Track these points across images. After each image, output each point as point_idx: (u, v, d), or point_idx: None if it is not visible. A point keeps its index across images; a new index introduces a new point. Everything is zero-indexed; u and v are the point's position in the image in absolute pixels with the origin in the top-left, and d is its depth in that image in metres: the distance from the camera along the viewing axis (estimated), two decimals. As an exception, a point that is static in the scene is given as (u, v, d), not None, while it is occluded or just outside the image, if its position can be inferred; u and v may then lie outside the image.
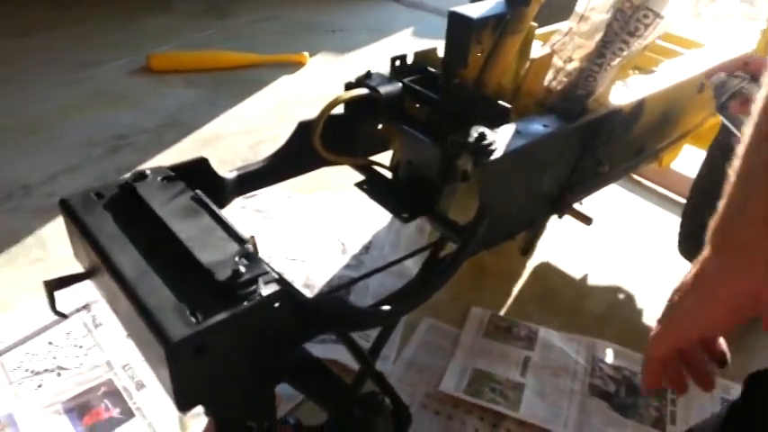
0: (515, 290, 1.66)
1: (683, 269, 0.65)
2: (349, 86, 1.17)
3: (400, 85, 1.16)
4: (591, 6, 1.19)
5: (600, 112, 1.17)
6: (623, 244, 1.84)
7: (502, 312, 1.58)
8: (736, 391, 1.37)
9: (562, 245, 1.82)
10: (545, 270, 1.74)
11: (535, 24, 1.20)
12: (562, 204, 1.22)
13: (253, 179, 1.11)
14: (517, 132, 1.08)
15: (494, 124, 1.09)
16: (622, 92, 1.25)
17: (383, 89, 1.13)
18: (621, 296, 1.65)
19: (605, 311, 1.60)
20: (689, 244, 1.62)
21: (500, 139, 1.05)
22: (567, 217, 1.25)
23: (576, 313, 1.59)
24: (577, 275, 1.72)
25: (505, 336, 1.51)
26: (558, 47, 1.23)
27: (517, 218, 1.17)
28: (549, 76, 1.22)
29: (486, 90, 1.20)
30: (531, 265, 1.75)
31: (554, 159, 1.14)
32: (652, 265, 1.75)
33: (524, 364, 1.44)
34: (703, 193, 1.51)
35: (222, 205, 1.04)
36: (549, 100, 1.19)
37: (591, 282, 1.70)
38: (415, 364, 1.43)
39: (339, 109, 1.11)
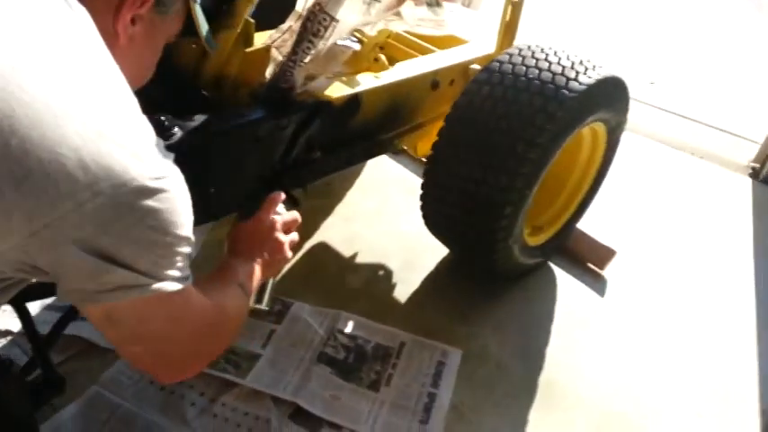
0: (286, 267, 1.78)
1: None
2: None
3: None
4: (305, 7, 1.30)
5: (305, 104, 1.29)
6: (395, 223, 2.00)
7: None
8: (454, 355, 1.55)
9: (341, 222, 1.97)
10: (319, 249, 1.87)
11: (252, 21, 1.29)
12: (278, 184, 1.33)
13: None
14: (207, 122, 1.17)
15: (192, 112, 1.18)
16: (340, 87, 1.37)
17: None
18: (381, 273, 1.80)
19: (361, 286, 1.75)
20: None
21: (187, 127, 1.14)
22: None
23: (336, 288, 1.73)
24: (347, 253, 1.86)
25: (258, 312, 1.62)
26: (279, 43, 1.33)
27: (220, 197, 1.26)
28: (270, 69, 1.33)
29: (202, 80, 1.29)
30: (309, 243, 1.88)
31: (251, 146, 1.24)
32: (412, 242, 1.91)
33: (268, 337, 1.56)
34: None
35: None
36: (260, 91, 1.29)
37: (358, 260, 1.84)
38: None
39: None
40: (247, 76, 1.32)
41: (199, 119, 1.18)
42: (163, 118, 1.10)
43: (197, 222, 1.26)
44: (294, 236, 1.16)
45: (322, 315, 1.63)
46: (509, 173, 1.40)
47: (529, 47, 1.55)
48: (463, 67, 1.65)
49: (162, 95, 1.23)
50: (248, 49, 1.30)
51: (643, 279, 1.93)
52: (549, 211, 1.79)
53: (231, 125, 1.19)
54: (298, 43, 1.24)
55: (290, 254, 1.14)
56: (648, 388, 1.58)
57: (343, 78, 1.41)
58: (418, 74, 1.52)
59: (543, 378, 1.55)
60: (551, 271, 1.88)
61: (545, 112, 1.38)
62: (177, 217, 0.64)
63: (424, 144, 1.75)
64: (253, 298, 1.06)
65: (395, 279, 1.78)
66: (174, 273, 0.66)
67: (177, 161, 0.67)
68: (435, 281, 1.79)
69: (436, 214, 1.61)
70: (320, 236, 1.92)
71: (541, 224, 1.78)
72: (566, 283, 1.85)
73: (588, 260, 1.90)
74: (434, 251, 1.80)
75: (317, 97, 1.32)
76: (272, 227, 1.10)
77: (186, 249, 0.68)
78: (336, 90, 1.36)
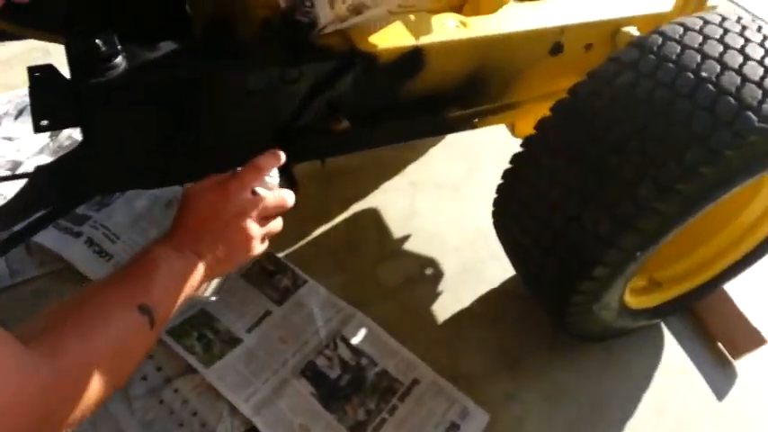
0: (317, 232, 1.45)
1: None
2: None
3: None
4: None
5: (330, 53, 0.88)
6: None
7: (283, 253, 1.38)
8: (476, 419, 1.16)
9: (402, 191, 1.56)
10: (363, 218, 1.50)
11: None
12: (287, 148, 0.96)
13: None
14: (172, 57, 0.81)
15: (162, 36, 0.82)
16: (396, 34, 0.93)
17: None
18: (427, 272, 1.41)
19: (395, 285, 1.37)
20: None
21: (138, 59, 0.79)
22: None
23: (363, 278, 1.38)
24: (393, 234, 1.48)
25: (262, 280, 1.32)
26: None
27: (189, 160, 0.92)
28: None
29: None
30: (354, 208, 1.51)
31: (237, 101, 0.87)
32: (482, 242, 1.46)
33: (260, 320, 1.26)
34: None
35: None
36: (274, 22, 0.89)
37: (404, 247, 1.45)
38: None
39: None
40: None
41: (164, 47, 0.82)
42: (99, 41, 0.75)
43: (152, 185, 0.97)
44: (275, 225, 0.82)
45: (333, 309, 1.29)
46: (617, 221, 0.90)
47: (724, 18, 0.97)
48: (611, 28, 1.09)
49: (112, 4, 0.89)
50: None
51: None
52: (678, 264, 1.23)
53: (207, 69, 0.83)
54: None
55: (259, 249, 0.81)
56: None
57: (409, 19, 0.95)
58: (532, 28, 1.01)
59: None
60: (660, 334, 1.36)
61: (711, 140, 0.84)
62: None
63: (527, 123, 1.25)
64: None
65: (442, 286, 1.38)
66: None
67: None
68: (493, 303, 1.35)
69: (507, 232, 1.16)
70: (370, 201, 1.53)
71: (662, 280, 1.24)
72: (674, 358, 1.31)
73: (721, 339, 1.33)
74: (505, 262, 1.35)
75: (352, 44, 0.89)
76: (242, 209, 0.76)
77: None
78: (388, 37, 0.92)
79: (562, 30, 1.04)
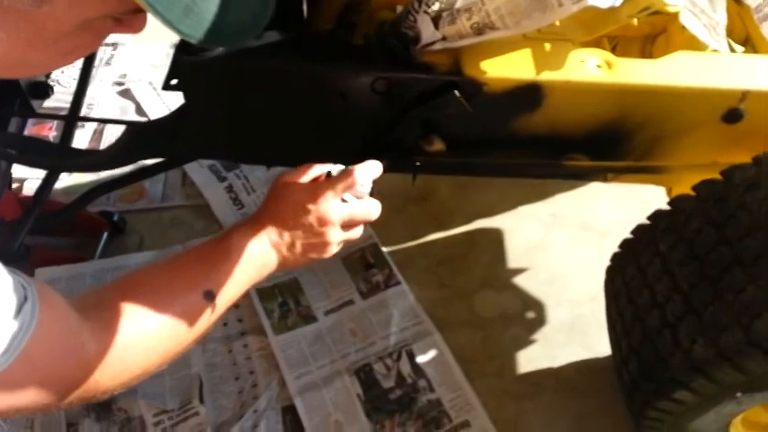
0: (431, 237, 1.39)
1: None
2: None
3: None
4: None
5: (430, 69, 0.80)
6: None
7: (388, 248, 1.36)
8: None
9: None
10: (486, 237, 1.39)
11: None
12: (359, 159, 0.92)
13: None
14: (275, 47, 0.82)
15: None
16: (515, 63, 0.81)
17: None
18: (529, 315, 1.26)
19: (491, 317, 1.26)
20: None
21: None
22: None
23: (460, 298, 1.29)
24: (513, 263, 1.35)
25: (358, 269, 1.32)
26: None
27: (257, 141, 0.93)
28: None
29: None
30: (479, 223, 1.41)
31: (327, 100, 0.84)
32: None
33: (340, 306, 1.27)
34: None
35: None
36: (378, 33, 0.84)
37: (516, 280, 1.32)
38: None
39: None
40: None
41: (267, 37, 0.83)
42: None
43: (243, 161, 1.00)
44: (354, 233, 0.80)
45: (413, 320, 1.24)
46: (716, 349, 0.70)
47: None
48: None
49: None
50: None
51: None
52: None
53: (298, 65, 0.81)
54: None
55: (332, 253, 0.80)
56: None
57: (542, 47, 0.82)
58: (697, 85, 0.80)
59: None
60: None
61: None
62: None
63: (683, 186, 1.02)
64: None
65: (539, 336, 1.23)
66: None
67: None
68: (587, 375, 1.17)
69: (607, 304, 0.99)
70: (499, 221, 1.41)
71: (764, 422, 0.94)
72: None
73: None
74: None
75: (459, 66, 0.80)
76: (329, 214, 0.74)
77: None
78: (504, 65, 0.81)
79: (743, 94, 0.81)
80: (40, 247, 1.29)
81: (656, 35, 1.08)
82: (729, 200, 0.76)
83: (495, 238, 1.39)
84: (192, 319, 0.65)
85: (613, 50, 1.06)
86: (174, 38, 0.50)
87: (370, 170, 0.78)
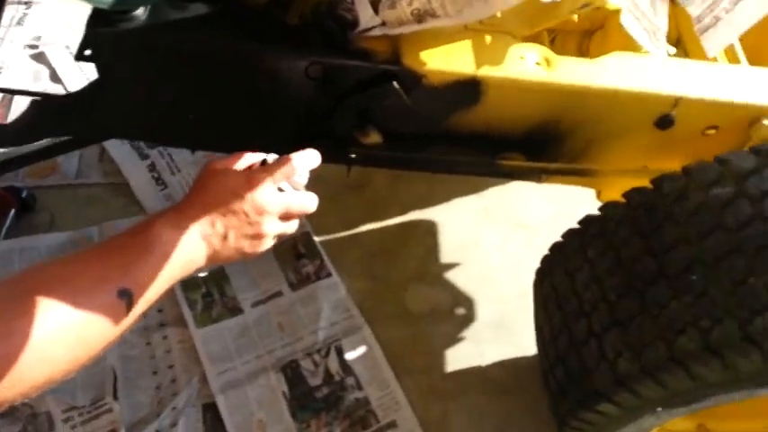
0: (364, 227, 1.35)
1: None
2: None
3: None
4: None
5: (366, 57, 0.76)
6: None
7: (320, 238, 1.32)
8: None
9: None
10: (419, 229, 1.37)
11: None
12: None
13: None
14: (203, 18, 0.75)
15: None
16: (456, 56, 0.78)
17: None
18: (459, 311, 1.26)
19: (422, 312, 1.25)
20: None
21: (158, 9, 0.74)
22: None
23: (391, 292, 1.27)
24: (445, 258, 1.33)
25: (288, 259, 1.27)
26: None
27: (180, 123, 0.85)
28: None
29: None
30: (412, 215, 1.39)
31: (259, 81, 0.78)
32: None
33: (268, 298, 1.22)
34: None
35: None
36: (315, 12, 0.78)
37: (447, 275, 1.31)
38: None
39: None
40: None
41: (194, 9, 0.76)
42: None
43: (160, 143, 0.93)
44: (290, 226, 0.75)
45: (343, 314, 1.21)
46: (640, 363, 0.70)
47: None
48: (750, 115, 0.84)
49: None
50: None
51: None
52: (740, 423, 0.96)
53: (224, 44, 0.75)
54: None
55: (267, 247, 0.74)
56: None
57: (483, 40, 0.79)
58: (633, 89, 0.80)
59: None
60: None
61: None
62: None
63: (612, 190, 1.03)
64: None
65: (468, 333, 1.22)
66: None
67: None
68: (513, 374, 1.17)
69: (536, 306, 0.99)
70: (433, 213, 1.39)
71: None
72: None
73: None
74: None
75: (397, 55, 0.76)
76: (265, 204, 0.69)
77: None
78: (444, 56, 0.77)
79: (676, 101, 0.81)
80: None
81: (594, 31, 1.07)
82: (658, 210, 0.76)
83: (429, 230, 1.37)
84: (103, 320, 0.58)
85: (552, 43, 1.05)
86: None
87: (308, 159, 0.74)
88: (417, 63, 0.76)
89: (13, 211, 1.24)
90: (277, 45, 0.76)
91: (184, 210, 0.67)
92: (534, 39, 0.86)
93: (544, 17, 0.79)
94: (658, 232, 0.73)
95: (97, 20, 0.72)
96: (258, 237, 0.70)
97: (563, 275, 0.86)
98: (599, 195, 1.07)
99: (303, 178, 0.75)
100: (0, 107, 1.43)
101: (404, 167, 0.95)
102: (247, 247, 0.70)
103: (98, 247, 0.66)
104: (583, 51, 1.02)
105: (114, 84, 0.79)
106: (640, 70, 0.82)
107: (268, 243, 0.73)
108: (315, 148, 0.82)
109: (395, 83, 0.76)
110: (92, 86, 0.84)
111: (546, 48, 0.82)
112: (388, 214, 1.38)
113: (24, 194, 1.26)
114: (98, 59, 0.76)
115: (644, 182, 0.82)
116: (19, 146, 0.86)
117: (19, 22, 1.61)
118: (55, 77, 1.51)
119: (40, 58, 1.54)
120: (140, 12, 0.73)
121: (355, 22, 0.74)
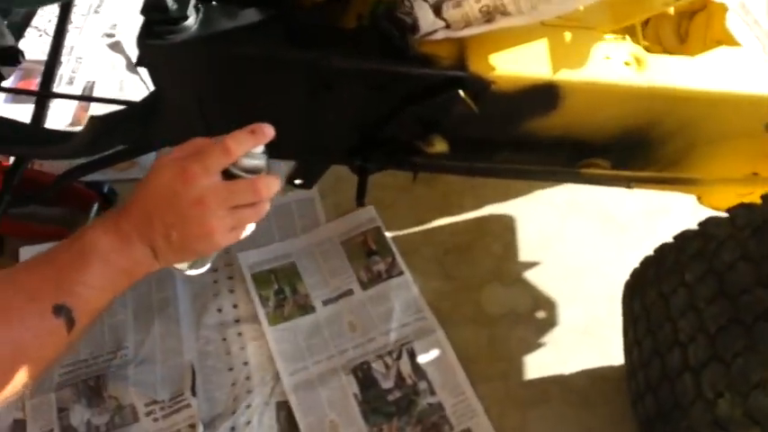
0: (437, 222, 1.29)
1: None
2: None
3: None
4: None
5: (429, 64, 0.69)
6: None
7: (392, 233, 1.27)
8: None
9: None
10: (496, 224, 1.29)
11: None
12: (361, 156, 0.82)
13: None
14: (255, 26, 0.71)
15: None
16: (529, 59, 0.69)
17: None
18: (540, 315, 1.18)
19: (499, 314, 1.18)
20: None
21: (209, 19, 0.71)
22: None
23: (466, 292, 1.21)
24: (525, 255, 1.25)
25: (358, 255, 1.24)
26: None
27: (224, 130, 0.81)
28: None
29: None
30: (490, 209, 1.31)
31: (317, 90, 0.73)
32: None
33: (339, 296, 1.20)
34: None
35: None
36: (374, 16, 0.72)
37: (527, 274, 1.23)
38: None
39: None
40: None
41: (246, 16, 0.72)
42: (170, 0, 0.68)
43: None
44: (248, 214, 0.64)
45: (415, 315, 1.17)
46: (745, 408, 0.61)
47: None
48: None
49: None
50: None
51: None
52: None
53: (277, 52, 0.71)
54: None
55: (229, 240, 0.64)
56: None
57: (561, 38, 0.70)
58: (740, 91, 0.68)
59: None
60: None
61: None
62: None
63: (716, 196, 0.91)
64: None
65: (549, 338, 1.15)
66: None
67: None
68: (599, 385, 1.09)
69: (625, 324, 0.90)
70: (512, 207, 1.30)
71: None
72: None
73: None
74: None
75: (463, 61, 0.69)
76: (201, 197, 0.60)
77: None
78: (516, 60, 0.69)
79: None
80: (22, 219, 1.23)
81: (695, 12, 0.94)
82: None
83: (507, 225, 1.29)
84: (40, 341, 0.55)
85: (645, 27, 0.93)
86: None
87: (245, 138, 0.62)
88: (485, 68, 0.69)
89: (96, 205, 1.30)
90: (332, 52, 0.71)
91: (122, 214, 0.61)
92: (624, 30, 0.76)
93: (634, 10, 0.69)
94: (770, 259, 0.63)
95: (146, 33, 0.70)
96: (206, 234, 0.61)
97: (656, 297, 0.77)
98: (700, 200, 0.96)
99: (256, 159, 0.63)
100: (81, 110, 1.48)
101: (474, 174, 0.88)
102: (198, 243, 0.62)
103: (29, 263, 0.61)
104: (681, 36, 0.89)
105: (170, 94, 0.77)
106: (750, 69, 0.69)
107: (227, 236, 0.63)
108: (378, 155, 0.77)
109: (461, 90, 0.70)
110: (152, 96, 0.83)
111: (636, 43, 0.72)
112: (463, 207, 1.31)
113: (106, 189, 1.31)
114: (152, 71, 0.75)
115: (752, 191, 0.72)
116: (89, 157, 0.88)
117: (96, 10, 1.64)
118: (131, 67, 1.53)
119: (116, 47, 1.57)
120: (191, 21, 0.70)
121: (415, 26, 0.68)
